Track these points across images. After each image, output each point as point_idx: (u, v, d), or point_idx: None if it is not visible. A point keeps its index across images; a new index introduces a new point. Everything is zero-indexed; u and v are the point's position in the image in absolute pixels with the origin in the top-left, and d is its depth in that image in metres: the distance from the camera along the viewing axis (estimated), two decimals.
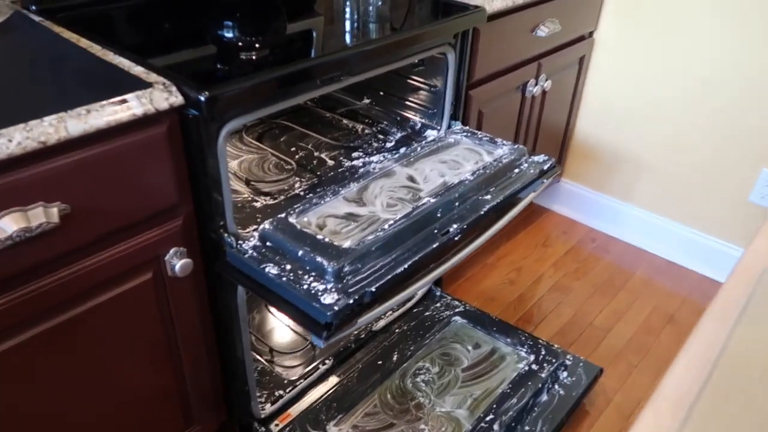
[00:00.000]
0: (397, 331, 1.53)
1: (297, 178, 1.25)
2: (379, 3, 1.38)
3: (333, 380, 1.39)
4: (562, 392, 1.39)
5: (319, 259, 0.93)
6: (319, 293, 0.90)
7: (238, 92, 0.88)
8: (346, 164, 1.32)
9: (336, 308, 0.88)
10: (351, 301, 0.89)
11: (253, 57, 1.02)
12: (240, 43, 1.09)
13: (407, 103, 1.48)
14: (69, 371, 0.88)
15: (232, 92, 0.87)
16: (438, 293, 1.66)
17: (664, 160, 1.90)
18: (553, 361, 1.45)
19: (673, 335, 1.73)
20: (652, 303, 1.84)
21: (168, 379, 1.05)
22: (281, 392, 1.32)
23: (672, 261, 2.01)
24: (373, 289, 0.92)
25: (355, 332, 1.47)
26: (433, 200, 1.11)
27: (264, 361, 1.40)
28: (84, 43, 0.96)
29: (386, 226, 1.02)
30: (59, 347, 0.85)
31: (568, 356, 1.48)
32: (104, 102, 0.77)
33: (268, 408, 1.29)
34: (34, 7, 1.08)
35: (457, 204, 1.12)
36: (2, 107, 0.75)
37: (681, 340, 1.71)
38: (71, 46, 0.94)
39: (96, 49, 0.94)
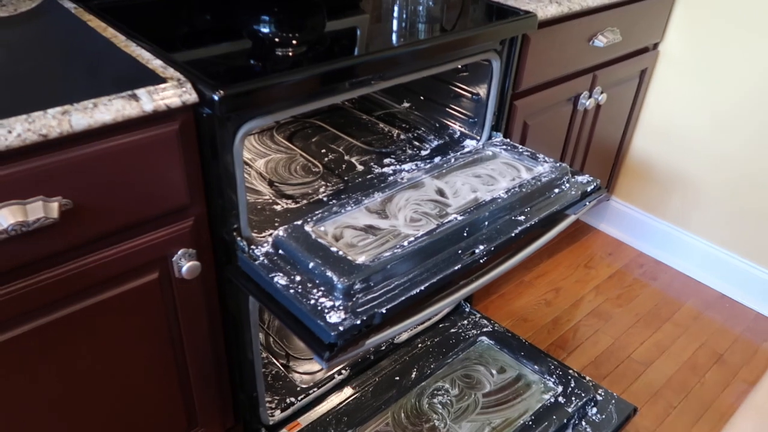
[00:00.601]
0: (420, 345, 1.47)
1: (322, 182, 1.21)
2: (430, 3, 1.31)
3: (347, 392, 1.34)
4: (589, 430, 1.30)
5: (329, 273, 0.88)
6: (326, 310, 0.85)
7: (255, 93, 0.83)
8: (376, 171, 1.26)
9: (341, 329, 0.82)
10: (358, 322, 0.84)
11: (290, 54, 0.98)
12: (276, 39, 1.04)
13: (447, 109, 1.41)
14: (68, 367, 0.87)
15: (249, 92, 0.82)
16: (467, 309, 1.59)
17: (728, 186, 1.76)
18: (583, 395, 1.35)
19: (721, 377, 1.59)
20: (700, 339, 1.71)
21: (172, 381, 1.02)
22: (292, 399, 1.28)
23: (726, 295, 1.86)
24: (384, 311, 0.86)
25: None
26: (460, 217, 1.04)
27: (279, 365, 1.36)
28: (109, 32, 0.94)
29: (406, 243, 0.96)
30: (57, 343, 0.84)
31: (600, 391, 1.38)
32: (113, 96, 0.74)
33: (278, 415, 1.25)
34: None
35: (486, 223, 1.05)
36: (10, 95, 0.73)
37: (729, 383, 1.57)
38: (95, 35, 0.91)
39: (119, 40, 0.91)
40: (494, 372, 1.41)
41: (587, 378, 1.40)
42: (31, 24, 0.94)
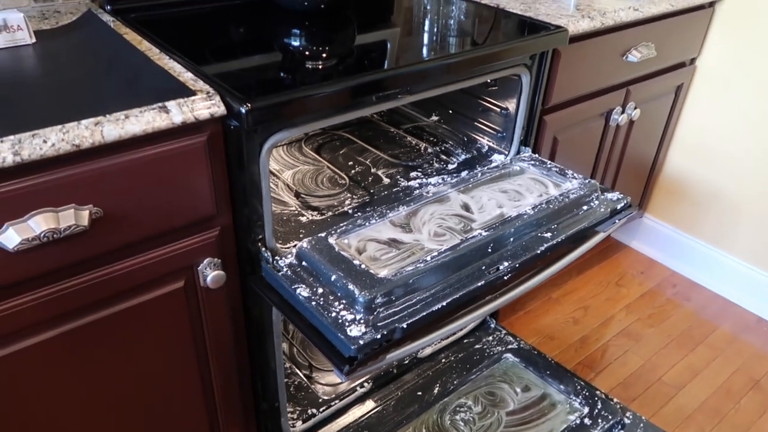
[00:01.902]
0: (443, 360, 1.46)
1: (348, 195, 1.21)
2: (461, 17, 1.32)
3: (369, 405, 1.34)
4: None
5: (351, 286, 0.88)
6: (347, 323, 0.85)
7: (282, 106, 0.84)
8: (402, 184, 1.26)
9: (361, 342, 0.82)
10: (378, 336, 0.83)
11: (319, 67, 0.99)
12: (306, 52, 1.06)
13: (476, 123, 1.40)
14: (93, 372, 0.89)
15: (275, 106, 0.84)
16: (492, 325, 1.57)
17: None
18: (610, 417, 1.32)
19: (757, 403, 1.53)
20: (736, 363, 1.65)
21: (196, 388, 1.03)
22: (314, 411, 1.28)
23: (764, 318, 1.80)
24: (405, 326, 0.86)
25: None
26: (485, 233, 1.03)
27: (302, 376, 1.37)
28: (144, 45, 0.97)
29: (429, 258, 0.96)
30: (83, 348, 0.85)
31: (628, 414, 1.35)
32: (144, 108, 0.76)
33: (299, 426, 1.26)
34: (108, 7, 1.11)
35: (511, 240, 1.04)
36: (48, 105, 0.75)
37: (766, 410, 1.51)
38: (130, 48, 0.94)
39: (153, 53, 0.94)
40: (519, 390, 1.38)
41: (615, 400, 1.36)
42: (70, 36, 0.97)
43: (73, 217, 0.74)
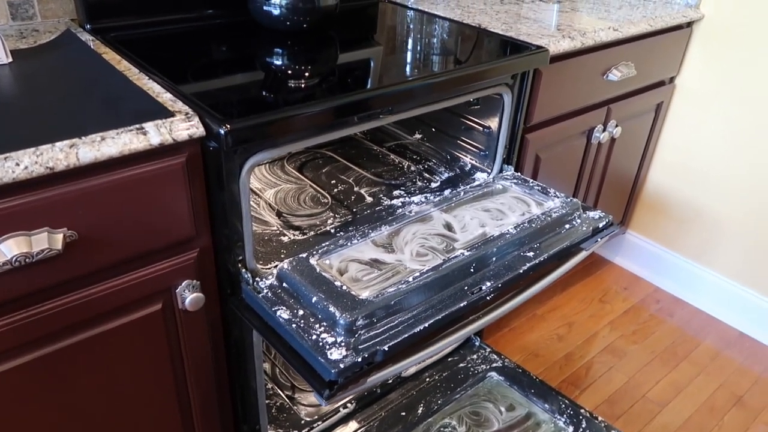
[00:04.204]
0: (427, 379, 1.45)
1: (331, 214, 1.20)
2: (444, 36, 1.32)
3: (352, 426, 1.32)
4: None
5: (332, 308, 0.87)
6: (327, 346, 0.84)
7: (262, 127, 0.84)
8: (385, 203, 1.26)
9: (342, 366, 0.81)
10: (359, 359, 0.82)
11: (301, 86, 0.98)
12: (287, 71, 1.06)
13: (459, 142, 1.40)
14: (69, 397, 0.86)
15: (255, 127, 0.83)
16: (477, 343, 1.56)
17: (748, 222, 1.72)
18: None
19: (740, 420, 1.54)
20: (719, 379, 1.66)
21: (173, 412, 1.01)
22: None
23: (746, 334, 1.81)
24: (386, 348, 0.85)
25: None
26: (467, 253, 1.02)
27: (285, 397, 1.35)
28: (123, 65, 0.96)
29: (411, 278, 0.95)
30: (58, 373, 0.83)
31: None
32: (121, 129, 0.75)
33: None
34: (88, 26, 1.10)
35: (494, 259, 1.04)
36: (21, 127, 0.74)
37: (749, 426, 1.52)
38: (109, 68, 0.93)
39: (132, 73, 0.93)
40: (503, 409, 1.37)
41: (600, 418, 1.36)
42: (48, 56, 0.96)
43: (46, 241, 0.73)
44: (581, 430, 1.33)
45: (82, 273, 0.79)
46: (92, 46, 1.02)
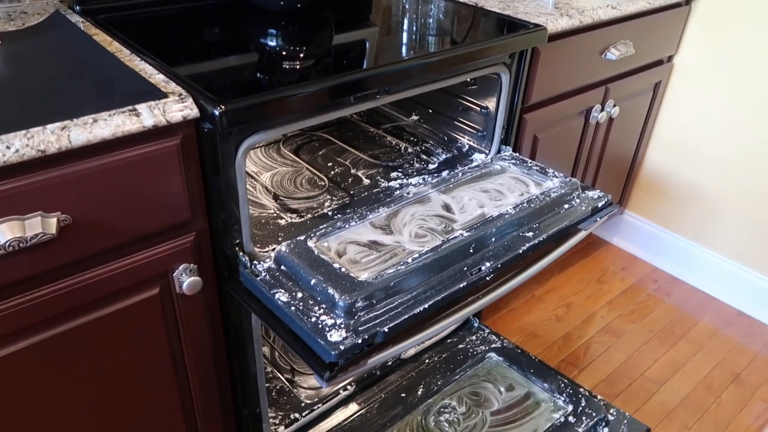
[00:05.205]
0: (427, 361, 1.45)
1: (328, 196, 1.19)
2: (440, 16, 1.30)
3: (353, 408, 1.33)
4: None
5: (331, 290, 0.87)
6: (327, 329, 0.83)
7: (257, 108, 0.82)
8: (383, 185, 1.25)
9: (342, 348, 0.81)
10: (359, 341, 0.82)
11: (296, 67, 0.97)
12: (282, 53, 1.04)
13: (456, 123, 1.39)
14: (66, 383, 0.86)
15: (250, 107, 0.82)
16: (476, 324, 1.56)
17: (745, 201, 1.72)
18: (594, 414, 1.32)
19: (738, 397, 1.55)
20: (716, 357, 1.67)
21: (173, 397, 1.01)
22: (297, 415, 1.27)
23: (743, 312, 1.82)
24: (386, 329, 0.85)
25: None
26: (466, 234, 1.02)
27: (284, 380, 1.35)
28: (114, 47, 0.94)
29: (410, 260, 0.95)
30: (55, 359, 0.83)
31: (612, 410, 1.35)
32: (113, 111, 0.74)
33: (282, 431, 1.24)
34: (77, 8, 1.08)
35: (493, 240, 1.03)
36: (12, 110, 0.73)
37: (747, 403, 1.53)
38: (100, 49, 0.91)
39: (123, 54, 0.91)
40: (503, 389, 1.38)
41: (599, 397, 1.36)
42: (37, 38, 0.94)
43: (40, 225, 0.72)
44: (580, 408, 1.33)
45: (77, 257, 0.78)
46: (82, 28, 1.01)
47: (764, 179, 1.66)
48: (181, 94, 0.80)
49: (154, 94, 0.79)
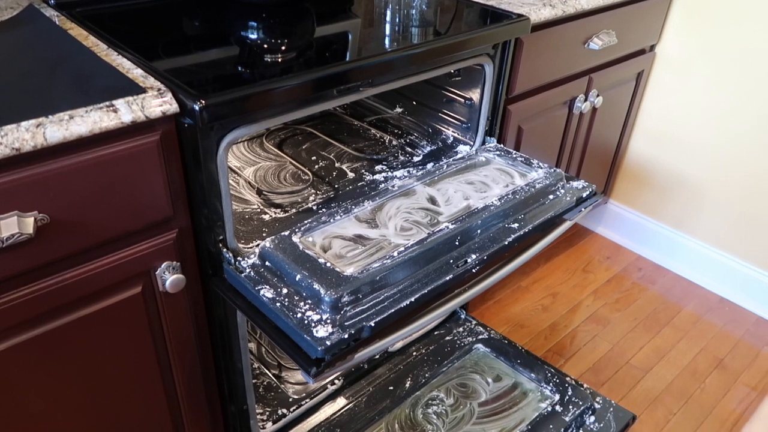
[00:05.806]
0: (414, 353, 1.45)
1: (312, 190, 1.19)
2: (423, 6, 1.29)
3: (340, 402, 1.32)
4: None
5: (316, 285, 0.86)
6: (313, 324, 0.83)
7: (238, 102, 0.81)
8: (367, 178, 1.24)
9: (328, 343, 0.80)
10: (345, 336, 0.82)
11: (277, 60, 0.95)
12: (263, 45, 1.02)
13: (440, 115, 1.38)
14: (49, 384, 0.85)
15: (231, 102, 0.80)
16: (462, 316, 1.56)
17: (728, 189, 1.74)
18: (580, 403, 1.33)
19: (722, 382, 1.57)
20: (700, 344, 1.69)
21: (159, 395, 1.00)
22: (285, 411, 1.26)
23: (726, 299, 1.84)
24: (372, 324, 0.84)
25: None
26: (451, 226, 1.01)
27: (271, 376, 1.34)
28: (90, 41, 0.92)
29: (395, 253, 0.94)
30: (37, 361, 0.81)
31: (598, 399, 1.36)
32: (90, 107, 0.72)
33: (269, 427, 1.23)
34: (52, 1, 1.05)
35: (478, 232, 1.03)
36: None
37: (730, 388, 1.55)
38: (75, 44, 0.89)
39: (100, 49, 0.89)
40: (490, 380, 1.38)
41: (585, 385, 1.38)
42: (10, 34, 0.92)
43: (16, 225, 0.70)
44: (567, 397, 1.34)
45: (56, 257, 0.76)
46: (57, 22, 0.98)
47: (746, 167, 1.68)
48: (160, 89, 0.78)
49: (132, 89, 0.77)
